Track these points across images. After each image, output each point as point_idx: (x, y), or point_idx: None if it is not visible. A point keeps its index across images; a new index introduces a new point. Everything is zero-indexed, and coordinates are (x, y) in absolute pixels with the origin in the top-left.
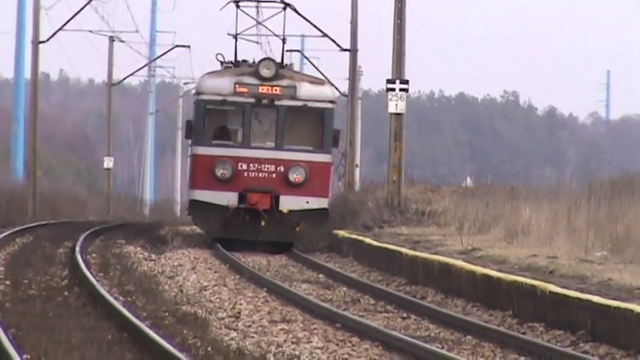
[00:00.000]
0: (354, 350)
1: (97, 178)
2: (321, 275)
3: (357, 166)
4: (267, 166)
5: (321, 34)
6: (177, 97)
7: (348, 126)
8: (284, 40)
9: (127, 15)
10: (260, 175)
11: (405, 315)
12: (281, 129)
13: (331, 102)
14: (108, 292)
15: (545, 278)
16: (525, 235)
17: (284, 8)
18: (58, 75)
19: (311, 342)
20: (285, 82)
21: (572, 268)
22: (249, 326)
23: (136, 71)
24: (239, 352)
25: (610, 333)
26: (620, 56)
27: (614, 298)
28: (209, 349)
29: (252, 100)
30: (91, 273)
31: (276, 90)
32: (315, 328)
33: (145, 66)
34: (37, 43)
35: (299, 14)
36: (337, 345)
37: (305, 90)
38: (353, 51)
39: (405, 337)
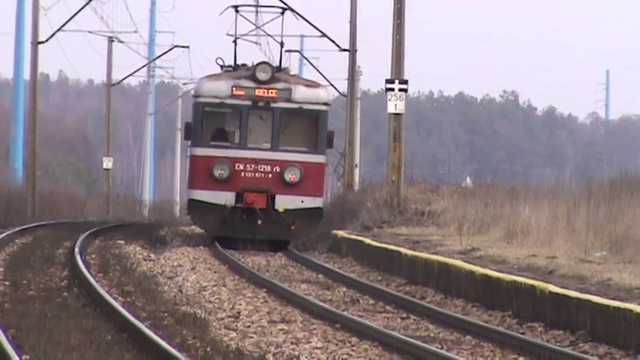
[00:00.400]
0: (353, 350)
1: (96, 179)
2: (320, 275)
3: (356, 166)
4: (263, 166)
5: (320, 34)
6: (177, 97)
7: (347, 126)
8: (282, 44)
9: (126, 15)
10: (257, 175)
11: (404, 315)
12: (277, 130)
13: (325, 104)
14: (107, 292)
15: (545, 278)
16: (525, 235)
17: (282, 12)
18: (57, 75)
19: (310, 342)
20: (280, 85)
21: (571, 268)
22: (249, 326)
23: (135, 72)
24: (238, 352)
25: (609, 333)
26: (620, 56)
27: (614, 298)
28: (208, 349)
29: (248, 102)
30: (90, 273)
31: (272, 93)
32: (315, 329)
33: (144, 66)
34: (36, 43)
35: (299, 16)
36: (337, 345)
37: (300, 93)
38: (352, 51)
39: (404, 337)
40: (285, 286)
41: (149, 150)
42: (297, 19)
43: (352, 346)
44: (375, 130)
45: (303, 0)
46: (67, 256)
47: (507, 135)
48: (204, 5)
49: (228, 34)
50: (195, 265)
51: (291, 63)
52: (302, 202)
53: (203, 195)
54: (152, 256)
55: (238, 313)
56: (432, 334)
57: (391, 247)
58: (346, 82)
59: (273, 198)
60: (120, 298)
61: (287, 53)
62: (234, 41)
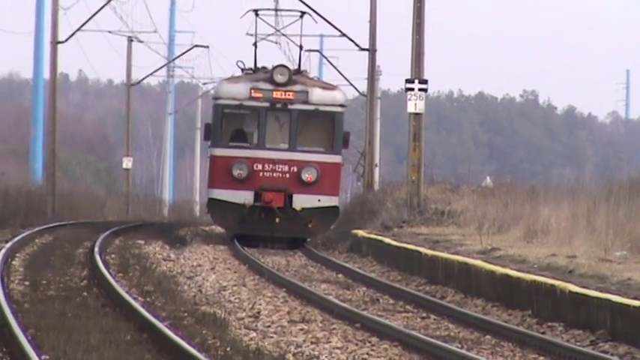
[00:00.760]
0: (373, 350)
1: (116, 179)
2: (340, 275)
3: (376, 165)
4: (281, 166)
5: (340, 33)
6: (197, 97)
7: (367, 126)
8: (301, 46)
9: (145, 15)
10: (274, 174)
11: (424, 315)
12: (294, 131)
13: (341, 106)
14: (127, 292)
15: (565, 278)
16: (545, 235)
17: (301, 16)
18: (76, 75)
19: (330, 342)
20: (297, 88)
21: (591, 267)
22: (269, 326)
23: (155, 71)
24: (258, 352)
25: (629, 332)
26: None
27: (634, 298)
28: (228, 349)
29: (266, 104)
30: (109, 273)
31: (289, 95)
32: (335, 328)
33: (163, 66)
34: (55, 43)
35: (319, 16)
36: (356, 345)
37: (316, 95)
38: (372, 51)
39: (424, 336)
40: (305, 285)
41: (169, 150)
42: (316, 22)
43: (372, 345)
44: (395, 129)
45: (323, 0)
46: (87, 255)
47: (527, 134)
48: (224, 5)
49: (248, 34)
50: (215, 265)
51: (311, 62)
52: (319, 200)
53: (223, 194)
54: (172, 256)
55: (258, 312)
56: (452, 334)
57: (411, 246)
58: (366, 81)
59: (290, 197)
60: (139, 298)
61: (306, 53)
62: (255, 44)
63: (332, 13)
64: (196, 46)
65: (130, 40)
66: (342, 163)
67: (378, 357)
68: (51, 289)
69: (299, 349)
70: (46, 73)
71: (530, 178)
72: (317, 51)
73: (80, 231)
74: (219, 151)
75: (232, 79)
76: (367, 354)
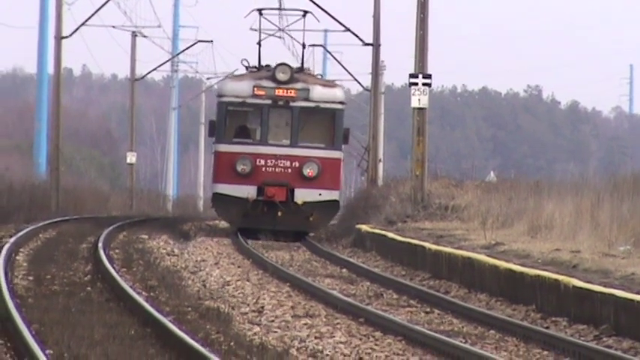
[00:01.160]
0: (377, 345)
1: (119, 174)
2: (344, 270)
3: (380, 160)
4: (283, 161)
5: (343, 28)
6: (200, 92)
7: (371, 121)
8: (304, 45)
9: (149, 10)
10: (277, 170)
11: (428, 309)
12: (295, 128)
13: (341, 103)
14: (131, 287)
15: (569, 272)
16: (548, 230)
17: (304, 15)
18: (80, 70)
19: (334, 337)
20: (299, 85)
21: (595, 262)
22: (273, 321)
23: (159, 66)
24: (262, 346)
25: (633, 327)
26: None
27: (638, 293)
28: (232, 344)
29: (269, 101)
30: (113, 268)
31: (291, 92)
32: (339, 323)
33: (167, 61)
34: (59, 38)
35: (324, 10)
36: (360, 340)
37: (317, 92)
38: (376, 45)
39: (428, 331)
40: (309, 280)
41: (173, 144)
42: (319, 21)
43: (376, 340)
44: (398, 124)
45: None
46: (91, 250)
47: (531, 129)
48: (228, 0)
49: (251, 29)
50: (219, 259)
51: (315, 57)
52: (320, 194)
53: (227, 189)
54: (176, 250)
55: (262, 307)
56: (455, 329)
57: (415, 241)
58: (370, 76)
59: (292, 191)
60: (143, 293)
61: (310, 48)
62: (259, 43)
63: (336, 7)
64: (200, 41)
65: (134, 35)
66: (342, 158)
67: (381, 352)
68: (55, 283)
69: (303, 344)
70: (50, 68)
71: (534, 173)
72: (321, 46)
73: (84, 226)
74: (224, 147)
75: (236, 77)
76: (371, 348)
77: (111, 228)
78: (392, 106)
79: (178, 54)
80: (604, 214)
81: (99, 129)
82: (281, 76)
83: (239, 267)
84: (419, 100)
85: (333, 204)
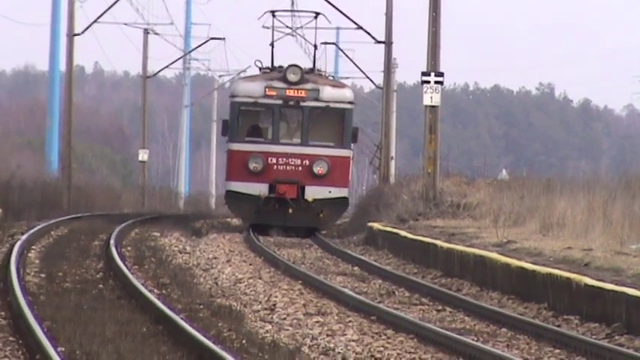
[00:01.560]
0: (389, 343)
1: (131, 171)
2: (356, 268)
3: (392, 158)
4: (293, 160)
5: (356, 26)
6: (213, 89)
7: (383, 118)
8: (316, 46)
9: (161, 7)
10: (288, 168)
11: (440, 307)
12: (306, 127)
13: (350, 103)
14: (143, 284)
15: (581, 271)
16: (560, 228)
17: (315, 17)
18: (92, 67)
19: (346, 334)
20: (309, 86)
21: (607, 260)
22: (284, 319)
23: (171, 64)
24: (274, 344)
25: None
26: None
27: None
28: (244, 341)
29: (280, 101)
30: (125, 266)
31: (301, 93)
32: (350, 321)
33: (179, 58)
34: (71, 35)
35: (336, 8)
36: (372, 337)
37: (327, 92)
38: (388, 43)
39: (440, 329)
40: (321, 278)
41: (184, 142)
42: (330, 22)
43: (388, 338)
44: (411, 122)
45: None
46: (103, 248)
47: (543, 127)
48: None
49: (264, 27)
50: (231, 257)
51: (327, 55)
52: (329, 192)
53: (239, 186)
54: (187, 248)
55: (274, 305)
56: (467, 327)
57: (427, 239)
58: (382, 74)
59: (303, 189)
60: (155, 291)
61: (323, 46)
62: (272, 44)
63: (348, 5)
64: (212, 38)
65: (146, 32)
66: (351, 156)
67: (393, 350)
68: (67, 281)
69: (315, 342)
70: (62, 66)
71: (546, 171)
72: (333, 44)
73: (96, 223)
74: (236, 146)
75: (248, 78)
76: (383, 347)
77: (123, 225)
78: (404, 103)
79: (190, 51)
80: (616, 212)
81: (111, 126)
82: (292, 77)
83: (251, 265)
84: (431, 97)
85: (343, 201)
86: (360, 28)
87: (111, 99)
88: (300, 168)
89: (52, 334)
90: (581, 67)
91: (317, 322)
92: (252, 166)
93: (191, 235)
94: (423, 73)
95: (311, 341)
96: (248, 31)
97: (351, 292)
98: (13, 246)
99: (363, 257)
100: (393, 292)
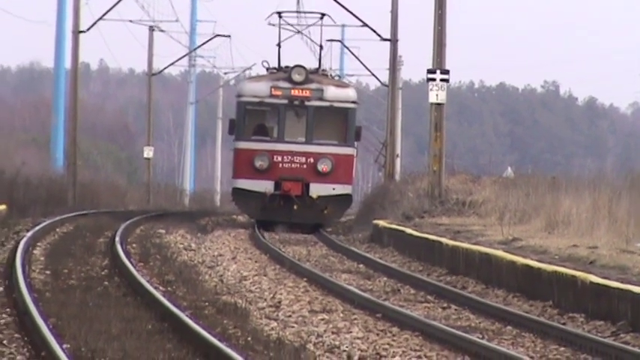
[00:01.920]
0: (394, 340)
1: (137, 168)
2: (361, 265)
3: (397, 156)
4: (298, 157)
5: (361, 24)
6: (218, 86)
7: (389, 116)
8: (321, 46)
9: (167, 4)
10: (293, 165)
11: (445, 305)
12: (310, 126)
13: (354, 102)
14: (148, 281)
15: (586, 268)
16: (566, 226)
17: (321, 17)
18: (98, 65)
19: (351, 332)
20: (313, 86)
21: (612, 258)
22: (290, 316)
23: (177, 61)
24: (279, 342)
25: None
26: None
27: None
28: (249, 339)
29: (285, 101)
30: (131, 263)
31: (306, 92)
32: (356, 318)
33: (185, 56)
34: (77, 32)
35: (341, 5)
36: (377, 335)
37: (331, 92)
38: (393, 41)
39: (445, 327)
40: (326, 275)
41: (190, 139)
42: (335, 22)
43: (393, 336)
44: (416, 119)
45: None
46: (108, 245)
47: (548, 125)
48: None
49: (269, 24)
50: (236, 254)
51: (333, 53)
52: (333, 189)
53: (246, 184)
54: (193, 245)
55: (279, 302)
56: (472, 325)
57: (432, 237)
58: (387, 71)
59: (307, 186)
60: (160, 288)
61: (328, 43)
62: (278, 44)
63: (354, 3)
64: (218, 35)
65: (152, 29)
66: (354, 154)
67: (398, 347)
68: (72, 278)
69: (320, 339)
70: (67, 63)
71: (551, 169)
72: (339, 41)
73: (101, 220)
74: (243, 145)
75: (254, 78)
76: (388, 344)
77: (128, 222)
78: (409, 101)
79: (196, 48)
80: (621, 210)
81: (116, 123)
82: (297, 77)
83: (256, 262)
84: (437, 95)
85: (346, 198)
86: (366, 25)
87: (116, 96)
88: (304, 166)
89: (57, 331)
90: (587, 65)
91: (322, 319)
92: (258, 164)
93: (196, 232)
94: (429, 71)
95: (316, 339)
96: (253, 28)
97: (356, 290)
98: (18, 243)
99: (368, 255)
100: (399, 290)
